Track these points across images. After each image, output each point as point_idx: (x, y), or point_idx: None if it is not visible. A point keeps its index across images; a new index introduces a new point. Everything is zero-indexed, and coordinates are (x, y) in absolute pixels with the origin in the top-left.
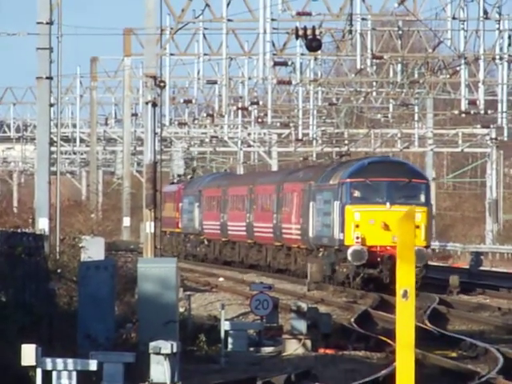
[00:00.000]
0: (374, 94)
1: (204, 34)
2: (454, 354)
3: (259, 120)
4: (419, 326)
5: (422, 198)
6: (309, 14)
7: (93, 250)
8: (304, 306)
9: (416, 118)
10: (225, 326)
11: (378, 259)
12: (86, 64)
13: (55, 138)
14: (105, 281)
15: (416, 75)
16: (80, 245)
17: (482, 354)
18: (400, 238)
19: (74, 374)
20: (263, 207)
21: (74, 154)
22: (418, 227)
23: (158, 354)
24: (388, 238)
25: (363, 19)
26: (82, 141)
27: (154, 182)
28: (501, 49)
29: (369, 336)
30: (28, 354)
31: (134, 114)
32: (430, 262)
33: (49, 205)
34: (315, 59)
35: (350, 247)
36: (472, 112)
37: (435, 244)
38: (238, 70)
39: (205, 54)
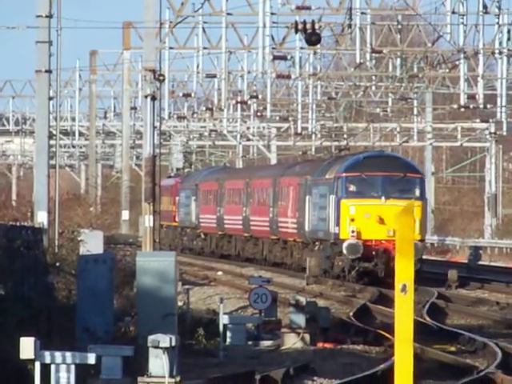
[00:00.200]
0: (374, 88)
1: (203, 28)
2: (452, 349)
3: (258, 114)
4: (418, 320)
5: (417, 193)
6: (308, 8)
7: (91, 243)
8: (303, 299)
9: (415, 112)
10: (223, 319)
11: (373, 253)
12: (85, 57)
13: (54, 132)
14: (103, 274)
15: (415, 69)
16: (79, 238)
17: (481, 349)
18: (399, 233)
19: (73, 367)
20: (260, 201)
21: (73, 147)
22: (415, 220)
23: (157, 347)
24: (383, 232)
25: (362, 13)
26: (81, 134)
27: (153, 176)
28: (500, 43)
29: (367, 330)
30: (26, 347)
31: (133, 108)
32: (429, 257)
33: (48, 198)
34: (314, 53)
35: (346, 241)
36: (471, 106)
37: (434, 238)
38: (238, 63)
39: (204, 48)
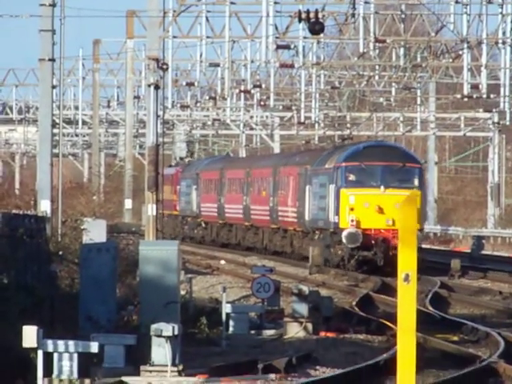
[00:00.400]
0: (377, 77)
1: (207, 17)
2: (455, 338)
3: (261, 103)
4: (421, 309)
5: (416, 182)
6: None
7: (94, 232)
8: (305, 289)
9: (418, 101)
10: (226, 308)
11: (372, 242)
12: (88, 46)
13: (57, 120)
14: (106, 263)
15: (419, 59)
16: (82, 227)
17: (483, 338)
18: (401, 222)
19: (75, 355)
20: (260, 190)
21: (77, 136)
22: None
23: (160, 336)
24: (382, 221)
25: (366, 3)
26: (84, 123)
27: (156, 165)
28: (503, 33)
29: (370, 319)
30: (29, 335)
31: (137, 97)
32: (432, 246)
33: (51, 187)
34: (318, 42)
35: (345, 230)
36: (474, 96)
37: (437, 228)
38: (241, 52)
39: (207, 37)
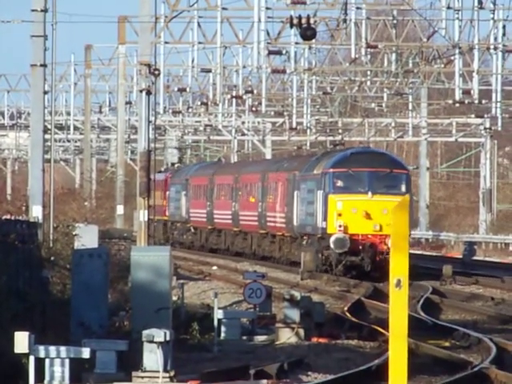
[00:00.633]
0: (369, 83)
1: (198, 23)
2: (446, 344)
3: (253, 109)
4: (412, 315)
5: (403, 188)
6: (303, 3)
7: (86, 237)
8: (297, 294)
9: (410, 107)
10: (218, 314)
11: (360, 247)
12: (80, 52)
13: (49, 126)
14: (98, 269)
15: (410, 65)
16: (73, 233)
17: (475, 344)
18: (393, 228)
19: (67, 361)
20: (249, 196)
21: (68, 141)
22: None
23: (151, 342)
24: (369, 227)
25: (358, 8)
26: (75, 128)
27: (148, 171)
28: (495, 39)
29: (362, 325)
30: (21, 341)
31: (128, 102)
32: (424, 252)
33: (42, 192)
34: (310, 48)
35: (333, 235)
36: (466, 102)
37: (429, 233)
38: (233, 58)
39: (199, 43)
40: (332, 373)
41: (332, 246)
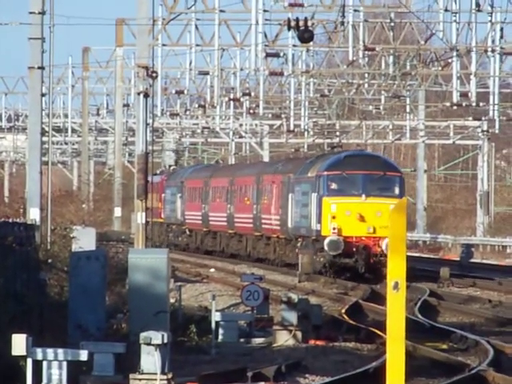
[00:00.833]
0: (366, 85)
1: (196, 25)
2: (444, 346)
3: (251, 111)
4: (410, 317)
5: (397, 191)
6: (301, 6)
7: (84, 240)
8: (295, 297)
9: (408, 109)
10: (215, 316)
11: (354, 249)
12: (77, 54)
13: (47, 128)
14: (96, 271)
15: (408, 67)
16: (71, 235)
17: (473, 346)
18: (391, 230)
19: (65, 364)
20: (243, 198)
21: (66, 144)
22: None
23: (149, 344)
24: (363, 229)
25: (355, 11)
26: (73, 131)
27: (146, 173)
28: (493, 41)
29: (359, 327)
30: (18, 343)
31: (126, 105)
32: (421, 254)
33: (40, 195)
34: (307, 50)
35: (327, 237)
36: (464, 104)
37: (426, 236)
38: (230, 60)
39: (197, 45)
40: (329, 375)
41: (326, 248)
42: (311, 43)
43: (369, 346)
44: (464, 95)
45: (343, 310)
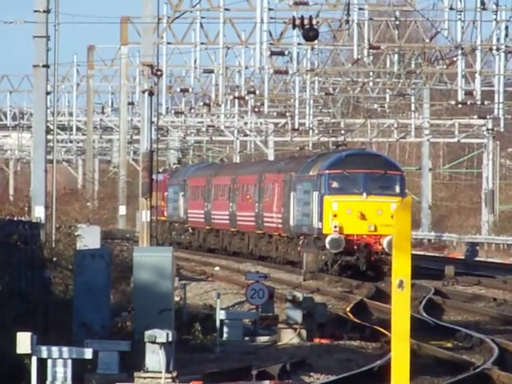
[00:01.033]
0: (371, 84)
1: (201, 23)
2: (449, 345)
3: (256, 109)
4: (415, 316)
5: (397, 189)
6: (306, 4)
7: (89, 238)
8: (299, 295)
9: (413, 108)
10: (220, 315)
11: (355, 247)
12: (82, 52)
13: (52, 127)
14: (100, 269)
15: (413, 65)
16: (76, 233)
17: (477, 345)
18: (396, 228)
19: (69, 362)
20: (246, 197)
21: (71, 142)
22: (393, 217)
23: (154, 342)
24: (364, 227)
25: (360, 9)
26: (78, 129)
27: (151, 171)
28: (498, 39)
29: (364, 326)
30: (23, 341)
31: (131, 103)
32: (426, 253)
33: (45, 193)
34: (312, 49)
35: (328, 236)
36: (469, 103)
37: (431, 234)
38: (235, 59)
39: (202, 43)
40: (334, 374)
41: (328, 246)
42: (316, 41)
43: (373, 344)
44: (469, 93)
45: (348, 309)
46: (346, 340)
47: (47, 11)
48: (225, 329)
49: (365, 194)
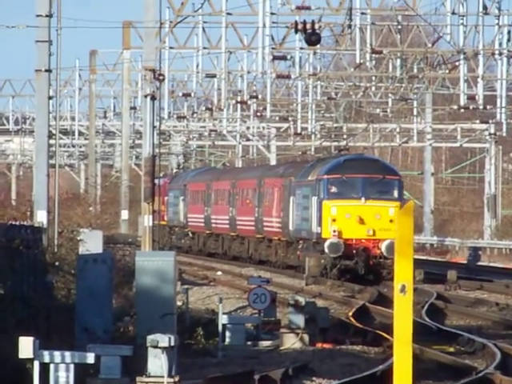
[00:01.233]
0: (373, 88)
1: (203, 28)
2: (451, 349)
3: (258, 114)
4: (417, 320)
5: (395, 194)
6: (308, 8)
7: (91, 242)
8: (302, 300)
9: (415, 112)
10: (222, 319)
11: (354, 251)
12: (85, 57)
13: (54, 131)
14: (103, 274)
15: (415, 70)
16: (78, 238)
17: (480, 349)
18: (398, 233)
19: (72, 366)
20: (245, 201)
21: (73, 146)
22: (391, 221)
23: (156, 347)
24: (363, 232)
25: (363, 13)
26: (80, 134)
27: (153, 176)
28: (500, 44)
29: (366, 330)
30: (25, 346)
31: (133, 108)
32: (429, 257)
33: (47, 198)
34: (314, 53)
35: (327, 240)
36: (471, 107)
37: (433, 239)
38: (237, 63)
39: (204, 48)
40: (336, 378)
41: (327, 250)
42: (318, 46)
43: (376, 349)
44: (471, 98)
45: (350, 313)
46: (348, 345)
47: (49, 16)
48: (227, 333)
49: (363, 199)
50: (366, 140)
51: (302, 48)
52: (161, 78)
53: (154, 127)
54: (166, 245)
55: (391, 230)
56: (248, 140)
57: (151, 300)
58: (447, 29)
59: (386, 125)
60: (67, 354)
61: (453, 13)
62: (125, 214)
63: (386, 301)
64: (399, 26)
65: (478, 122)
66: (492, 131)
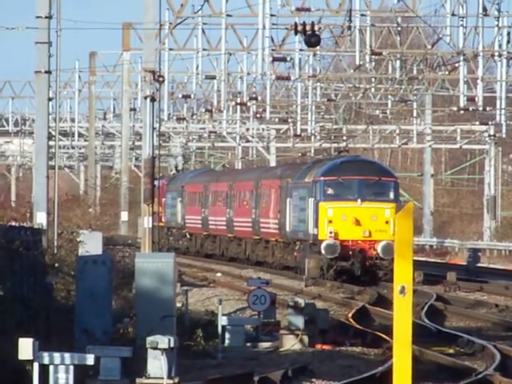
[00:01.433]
0: (373, 90)
1: (203, 29)
2: (451, 351)
3: (258, 115)
4: (416, 322)
5: (391, 195)
6: (308, 10)
7: (90, 244)
8: (301, 301)
9: (414, 114)
10: (222, 321)
11: (350, 253)
12: (84, 58)
13: (53, 133)
14: (102, 275)
15: (415, 71)
16: (78, 239)
17: (479, 351)
18: (397, 235)
19: (71, 368)
20: (243, 203)
21: (73, 148)
22: (387, 222)
23: (156, 348)
24: (359, 233)
25: (362, 15)
26: (80, 135)
27: (153, 177)
28: (500, 46)
29: (366, 332)
30: (25, 348)
31: (133, 109)
32: (428, 259)
33: (47, 199)
34: (314, 55)
35: (324, 241)
36: (470, 109)
37: (433, 240)
38: (237, 65)
39: (204, 49)
40: (336, 380)
41: (323, 251)
42: (318, 47)
43: (375, 350)
44: (471, 100)
45: (350, 315)
46: (347, 346)
47: (49, 17)
48: (227, 335)
49: (359, 201)
50: (365, 141)
51: (301, 49)
52: (160, 79)
53: (153, 129)
54: (163, 246)
55: (387, 231)
56: (248, 141)
57: (151, 301)
58: (447, 30)
59: (385, 126)
60: (67, 355)
61: (452, 14)
62: (124, 216)
63: (385, 302)
64: (399, 28)
65: (477, 123)
66: (492, 133)
